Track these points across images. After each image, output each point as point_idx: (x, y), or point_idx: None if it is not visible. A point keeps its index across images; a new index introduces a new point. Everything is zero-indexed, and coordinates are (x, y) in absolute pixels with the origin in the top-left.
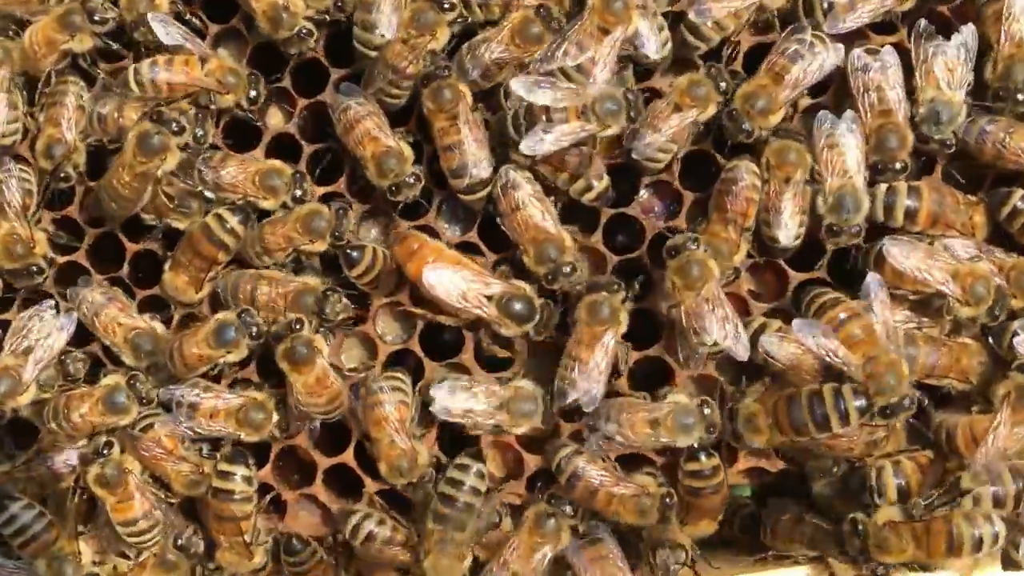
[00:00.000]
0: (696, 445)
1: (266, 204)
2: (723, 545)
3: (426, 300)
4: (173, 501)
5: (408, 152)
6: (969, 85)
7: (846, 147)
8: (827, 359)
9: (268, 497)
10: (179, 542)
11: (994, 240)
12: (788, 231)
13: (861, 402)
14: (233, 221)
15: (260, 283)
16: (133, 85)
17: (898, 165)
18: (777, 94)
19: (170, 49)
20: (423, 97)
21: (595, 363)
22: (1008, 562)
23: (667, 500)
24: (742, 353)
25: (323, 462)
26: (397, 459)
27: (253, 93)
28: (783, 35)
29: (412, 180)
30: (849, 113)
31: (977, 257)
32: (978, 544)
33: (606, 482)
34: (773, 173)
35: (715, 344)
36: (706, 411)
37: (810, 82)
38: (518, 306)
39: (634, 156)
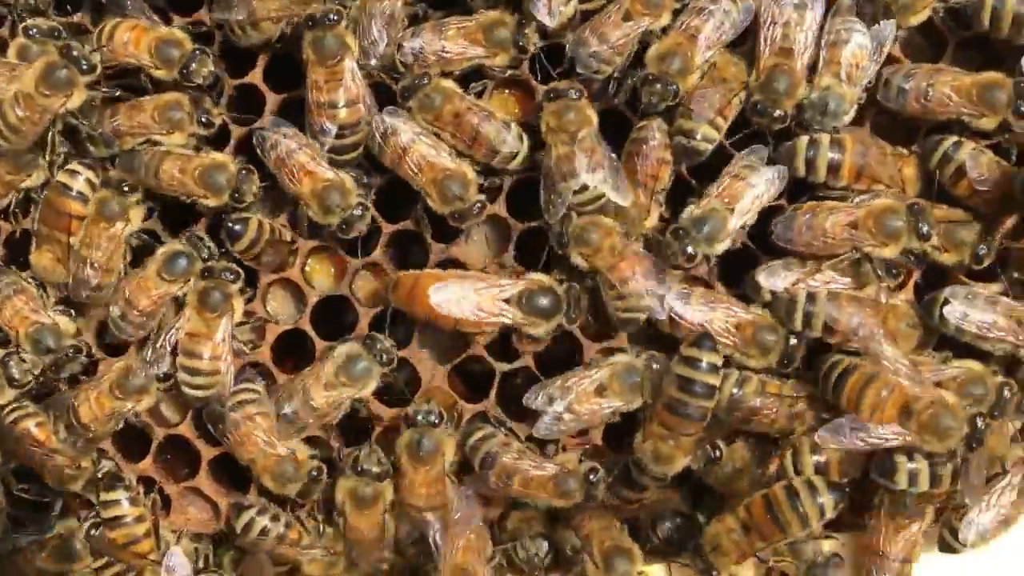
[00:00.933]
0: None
1: (172, 139)
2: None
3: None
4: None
5: (350, 183)
6: (869, 83)
7: (792, 25)
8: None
9: (152, 496)
10: None
11: (927, 193)
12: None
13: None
14: (87, 174)
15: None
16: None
17: (777, 113)
18: (693, 54)
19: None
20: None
21: None
22: (944, 546)
23: (591, 476)
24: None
25: (207, 452)
26: (278, 467)
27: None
28: None
29: (360, 212)
30: None
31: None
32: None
33: (522, 465)
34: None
35: (584, 188)
36: (654, 365)
37: (726, 40)
38: (543, 301)
39: (578, 69)
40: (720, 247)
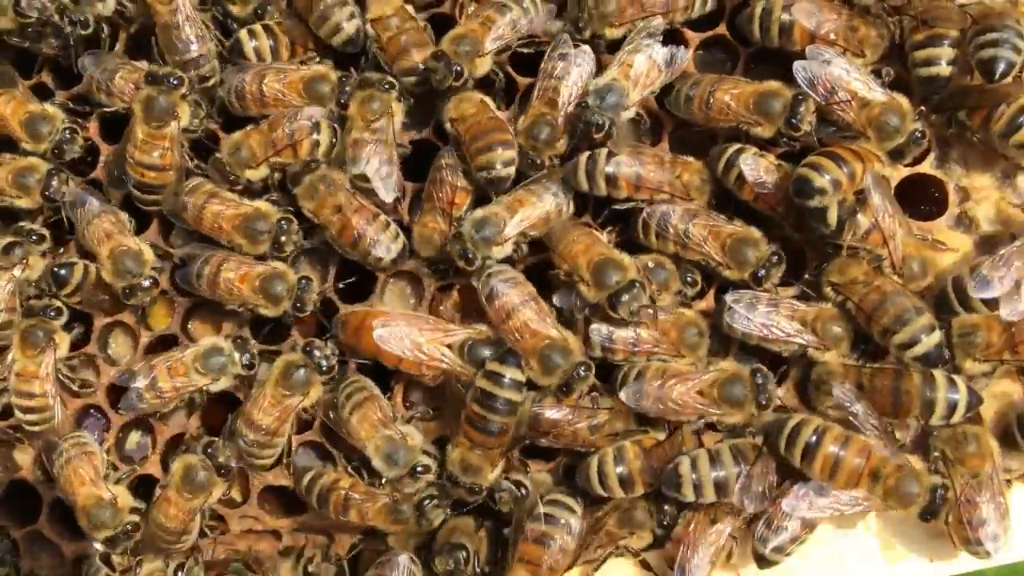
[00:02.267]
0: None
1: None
2: None
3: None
4: None
5: (148, 254)
6: (652, 93)
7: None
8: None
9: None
10: None
11: (721, 200)
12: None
13: None
14: None
15: None
16: None
17: (538, 161)
18: (484, 39)
19: None
20: None
21: None
22: (761, 560)
23: (424, 503)
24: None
25: (47, 494)
26: (95, 508)
27: None
28: None
29: (148, 284)
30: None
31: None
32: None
33: (352, 497)
34: None
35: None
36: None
37: (516, 37)
38: (484, 351)
39: None
40: (497, 251)
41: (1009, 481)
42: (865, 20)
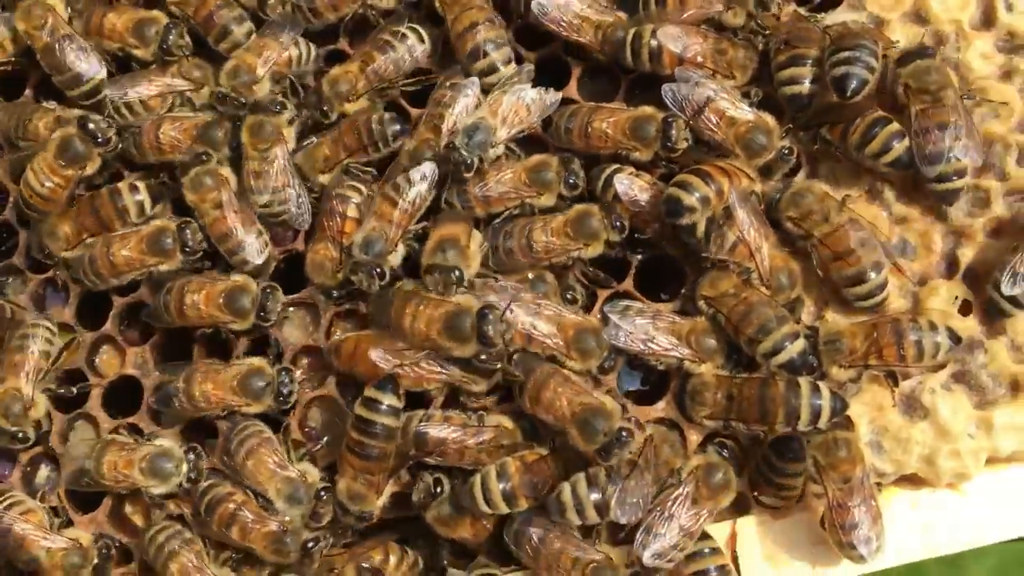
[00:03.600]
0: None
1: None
2: None
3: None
4: None
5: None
6: (521, 133)
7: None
8: None
9: None
10: None
11: None
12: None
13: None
14: None
15: None
16: None
17: None
18: (359, 81)
19: None
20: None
21: None
22: (642, 568)
23: (310, 546)
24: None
25: None
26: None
27: None
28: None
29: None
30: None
31: None
32: None
33: (241, 515)
34: None
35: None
36: None
37: (398, 72)
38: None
39: None
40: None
41: (879, 484)
42: (732, 43)
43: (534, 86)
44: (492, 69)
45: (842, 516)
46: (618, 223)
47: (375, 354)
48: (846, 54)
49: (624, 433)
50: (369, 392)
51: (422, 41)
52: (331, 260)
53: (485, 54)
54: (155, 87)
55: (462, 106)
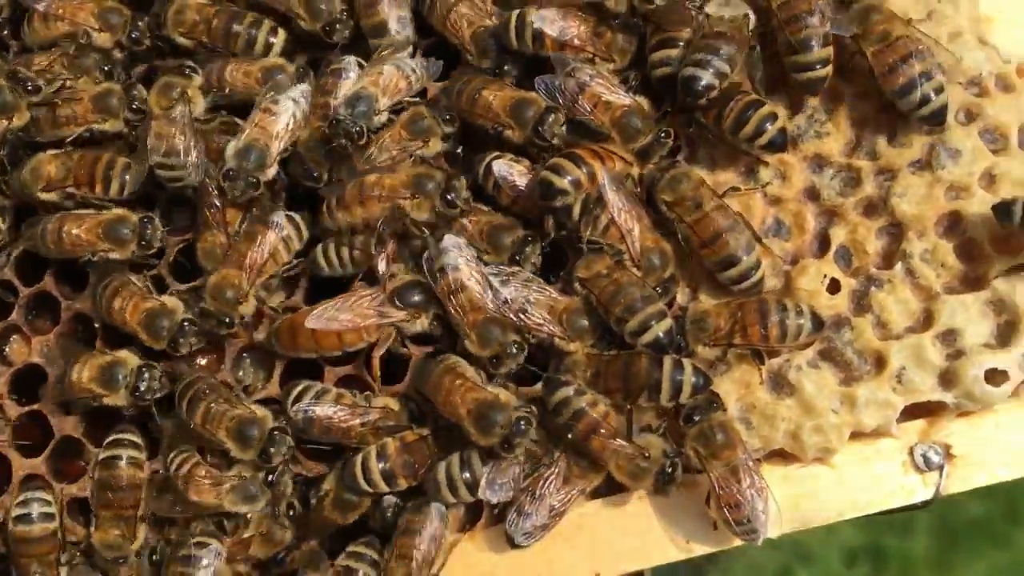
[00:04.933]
0: None
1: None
2: None
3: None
4: None
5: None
6: (402, 100)
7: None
8: None
9: None
10: None
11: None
12: None
13: None
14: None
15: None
16: None
17: (315, 174)
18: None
19: None
20: None
21: None
22: (513, 544)
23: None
24: None
25: None
26: None
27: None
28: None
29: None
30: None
31: None
32: None
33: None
34: None
35: None
36: None
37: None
38: (414, 294)
39: None
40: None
41: (759, 460)
42: (611, 26)
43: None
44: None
45: (730, 498)
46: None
47: (310, 320)
48: (700, 56)
49: (522, 423)
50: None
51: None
52: (220, 246)
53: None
54: None
55: (345, 89)
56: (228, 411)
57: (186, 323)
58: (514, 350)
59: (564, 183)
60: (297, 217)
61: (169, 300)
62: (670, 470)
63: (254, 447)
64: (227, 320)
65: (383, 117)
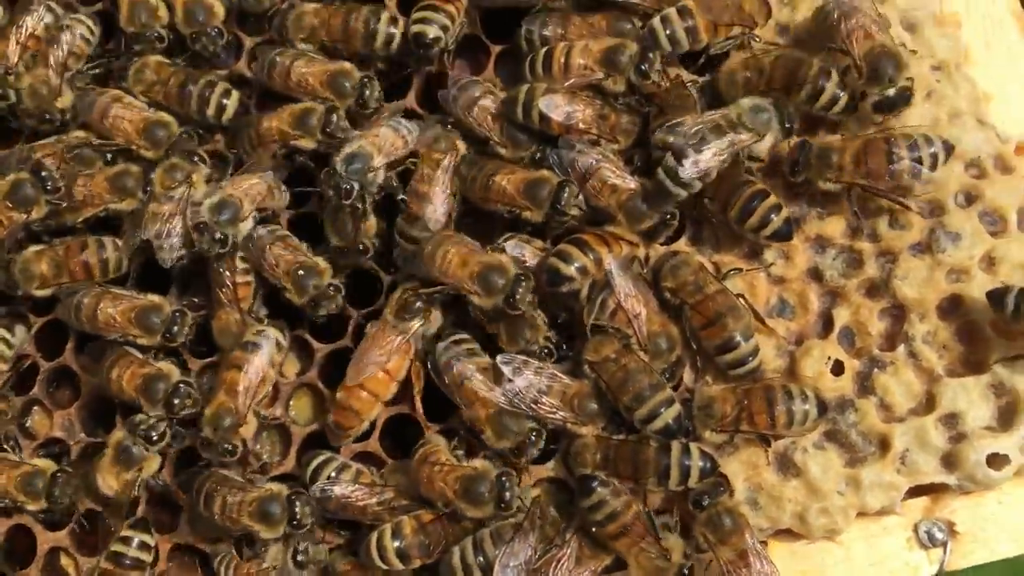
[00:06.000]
0: None
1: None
2: None
3: None
4: None
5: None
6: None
7: None
8: None
9: None
10: None
11: None
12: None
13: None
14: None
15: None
16: None
17: None
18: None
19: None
20: None
21: None
22: None
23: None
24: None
25: None
26: None
27: None
28: None
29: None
30: None
31: None
32: None
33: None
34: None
35: None
36: None
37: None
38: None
39: None
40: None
41: (764, 542)
42: (615, 108)
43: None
44: None
45: None
46: None
47: (353, 378)
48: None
49: (505, 480)
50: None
51: None
52: (236, 322)
53: None
54: None
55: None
56: (245, 497)
57: (181, 385)
58: (534, 437)
59: (571, 270)
60: (276, 335)
61: (165, 365)
62: (687, 572)
63: (279, 521)
64: (229, 448)
65: (379, 175)
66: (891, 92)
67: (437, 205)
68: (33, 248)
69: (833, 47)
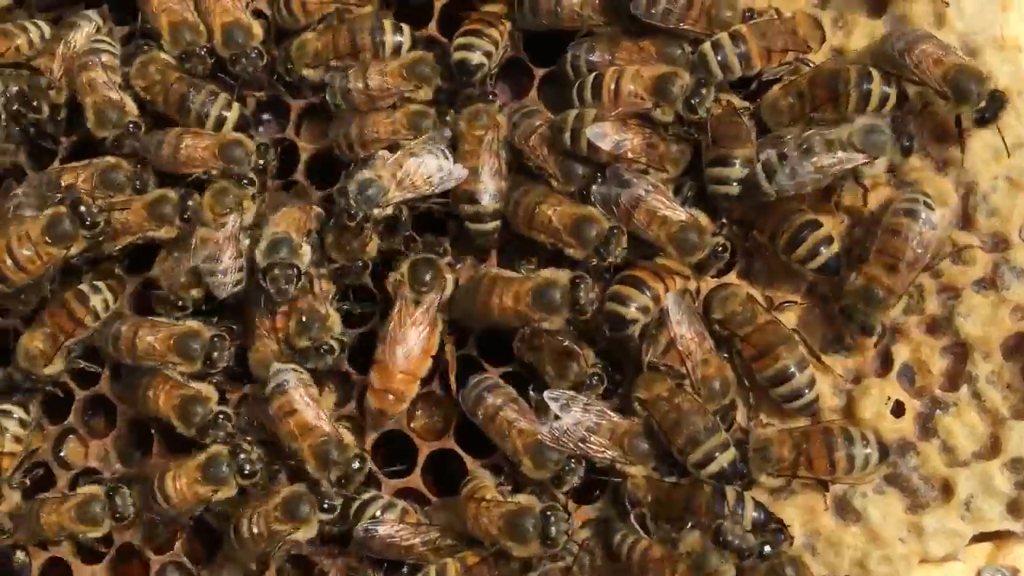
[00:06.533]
0: None
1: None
2: None
3: None
4: None
5: None
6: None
7: None
8: None
9: None
10: None
11: None
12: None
13: None
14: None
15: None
16: None
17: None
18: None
19: None
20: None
21: None
22: None
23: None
24: None
25: None
26: None
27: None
28: None
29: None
30: None
31: None
32: None
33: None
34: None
35: None
36: None
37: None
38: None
39: None
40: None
41: None
42: (664, 136)
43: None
44: None
45: None
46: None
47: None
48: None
49: (551, 516)
50: None
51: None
52: (273, 352)
53: None
54: None
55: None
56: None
57: (221, 416)
58: (573, 465)
59: (633, 312)
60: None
61: (204, 387)
62: None
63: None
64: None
65: (388, 210)
66: (983, 104)
67: (487, 182)
68: (28, 332)
69: (903, 77)
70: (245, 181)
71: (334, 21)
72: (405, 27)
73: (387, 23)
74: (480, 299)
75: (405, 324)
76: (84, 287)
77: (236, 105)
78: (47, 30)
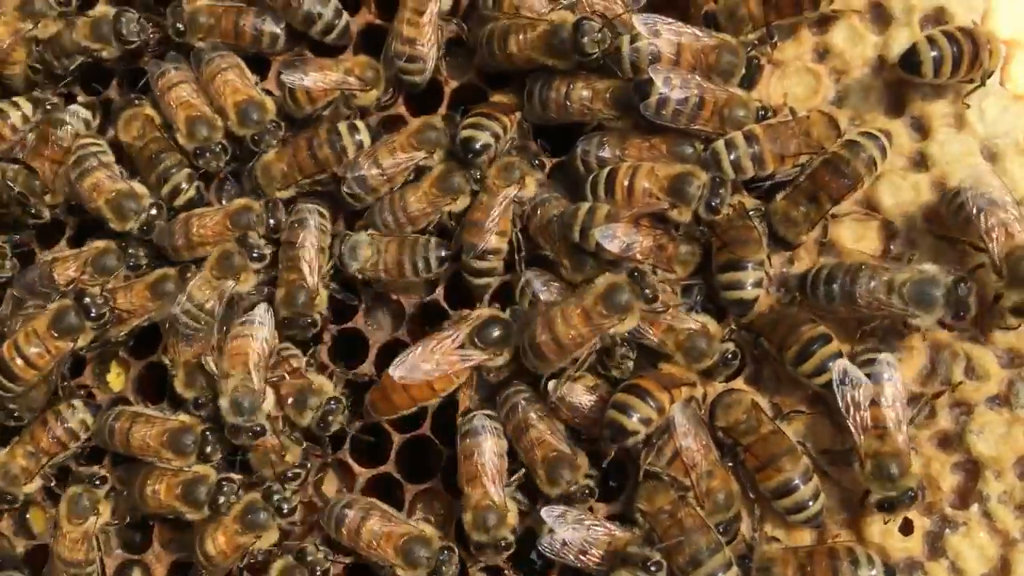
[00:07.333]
0: None
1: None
2: None
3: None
4: None
5: None
6: None
7: None
8: None
9: None
10: None
11: None
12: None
13: None
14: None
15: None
16: None
17: None
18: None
19: None
20: None
21: None
22: None
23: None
24: None
25: None
26: None
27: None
28: None
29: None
30: None
31: None
32: None
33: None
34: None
35: None
36: None
37: None
38: (494, 331)
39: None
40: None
41: None
42: (674, 238)
43: None
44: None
45: None
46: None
47: (397, 371)
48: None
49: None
50: None
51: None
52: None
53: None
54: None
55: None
56: None
57: (223, 482)
58: (587, 493)
59: (635, 424)
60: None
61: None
62: None
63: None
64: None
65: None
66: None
67: (490, 239)
68: (8, 449)
69: (965, 240)
70: (255, 254)
71: (290, 138)
72: (360, 123)
73: (342, 127)
74: None
75: (433, 357)
76: (62, 406)
77: (196, 183)
78: (28, 110)
